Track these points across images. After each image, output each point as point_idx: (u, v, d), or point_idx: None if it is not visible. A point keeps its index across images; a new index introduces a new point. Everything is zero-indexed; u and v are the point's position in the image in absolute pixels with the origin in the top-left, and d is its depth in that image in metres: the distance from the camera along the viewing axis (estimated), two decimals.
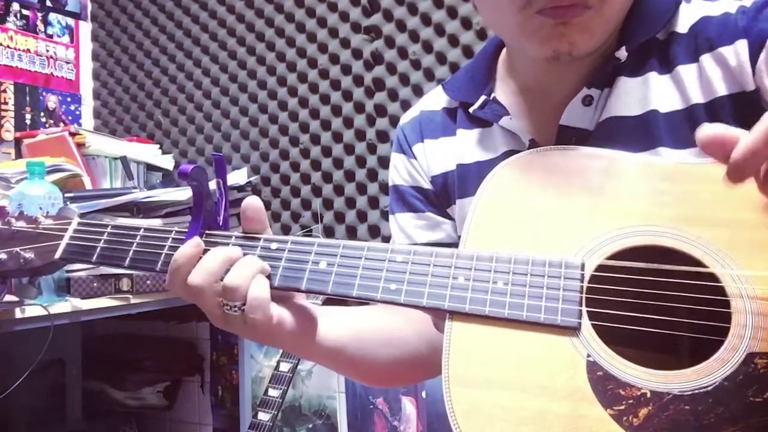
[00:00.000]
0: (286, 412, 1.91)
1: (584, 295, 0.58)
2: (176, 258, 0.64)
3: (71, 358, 1.89)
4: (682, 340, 0.60)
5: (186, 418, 2.14)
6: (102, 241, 0.71)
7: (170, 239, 0.69)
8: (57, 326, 1.22)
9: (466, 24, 1.58)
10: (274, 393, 1.49)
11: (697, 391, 0.53)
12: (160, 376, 2.09)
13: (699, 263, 0.57)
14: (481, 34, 1.56)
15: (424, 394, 1.67)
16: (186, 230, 0.68)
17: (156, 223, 1.65)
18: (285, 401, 1.53)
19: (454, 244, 0.86)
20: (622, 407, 0.54)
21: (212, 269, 0.63)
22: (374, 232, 1.74)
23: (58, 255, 0.73)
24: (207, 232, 0.68)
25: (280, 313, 0.64)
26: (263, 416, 1.47)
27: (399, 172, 0.90)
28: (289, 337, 0.66)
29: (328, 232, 1.83)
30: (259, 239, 0.67)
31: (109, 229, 0.72)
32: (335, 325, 0.74)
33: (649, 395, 0.54)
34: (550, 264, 0.59)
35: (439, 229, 0.87)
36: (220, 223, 0.70)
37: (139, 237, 0.70)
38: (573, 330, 0.57)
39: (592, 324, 0.57)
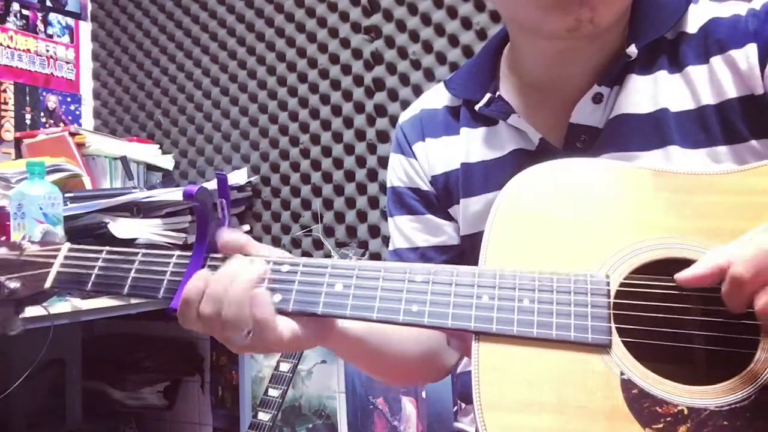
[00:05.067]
0: (286, 412, 1.91)
1: (612, 312, 0.57)
2: (186, 292, 0.61)
3: (71, 358, 1.89)
4: (712, 351, 0.59)
5: (186, 418, 2.14)
6: (97, 267, 0.68)
7: (172, 264, 0.66)
8: (57, 326, 1.22)
9: (466, 24, 1.58)
10: (274, 393, 1.49)
11: (734, 407, 0.52)
12: (160, 376, 2.09)
13: None
14: (481, 34, 1.56)
15: (424, 394, 1.67)
16: (188, 254, 0.65)
17: (156, 223, 1.65)
18: (285, 401, 1.53)
19: (457, 247, 0.86)
20: (661, 425, 0.53)
21: (219, 295, 0.60)
22: (374, 232, 1.74)
23: (48, 284, 0.69)
24: (211, 255, 0.65)
25: (290, 326, 0.61)
26: (263, 416, 1.47)
27: (396, 173, 0.89)
28: (313, 337, 0.64)
29: (328, 232, 1.83)
30: (268, 262, 0.64)
31: (104, 255, 0.68)
32: None
33: (686, 412, 0.53)
34: (575, 280, 0.58)
35: (440, 231, 0.85)
36: None
37: (137, 262, 0.67)
38: (604, 348, 0.56)
39: (622, 340, 0.56)
